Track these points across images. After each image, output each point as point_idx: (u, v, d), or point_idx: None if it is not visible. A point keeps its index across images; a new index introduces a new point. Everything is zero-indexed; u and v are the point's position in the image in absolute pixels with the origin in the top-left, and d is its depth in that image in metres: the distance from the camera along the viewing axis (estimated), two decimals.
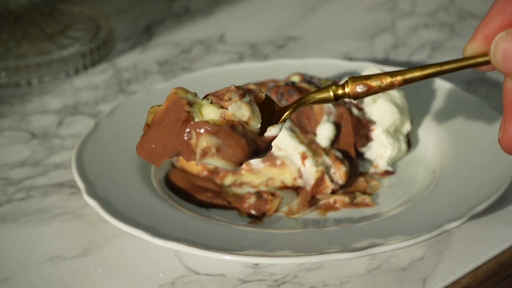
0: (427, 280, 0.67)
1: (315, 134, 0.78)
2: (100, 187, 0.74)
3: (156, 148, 0.57)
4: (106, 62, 0.99)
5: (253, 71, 0.89)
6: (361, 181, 0.77)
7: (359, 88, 0.57)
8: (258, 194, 0.75)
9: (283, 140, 0.76)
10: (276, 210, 0.75)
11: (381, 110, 0.79)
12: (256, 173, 0.77)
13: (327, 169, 0.76)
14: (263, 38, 1.04)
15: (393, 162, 0.80)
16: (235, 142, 0.56)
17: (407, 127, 0.81)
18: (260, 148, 0.57)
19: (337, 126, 0.78)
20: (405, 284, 0.66)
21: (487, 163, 0.75)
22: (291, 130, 0.77)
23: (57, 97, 0.93)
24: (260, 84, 0.83)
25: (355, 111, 0.79)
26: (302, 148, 0.76)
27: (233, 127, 0.56)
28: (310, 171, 0.76)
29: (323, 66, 0.89)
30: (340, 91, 0.58)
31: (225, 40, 1.04)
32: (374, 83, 0.57)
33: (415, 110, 0.83)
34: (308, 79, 0.80)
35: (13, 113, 0.90)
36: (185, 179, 0.77)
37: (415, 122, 0.83)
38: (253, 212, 0.74)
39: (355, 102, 0.79)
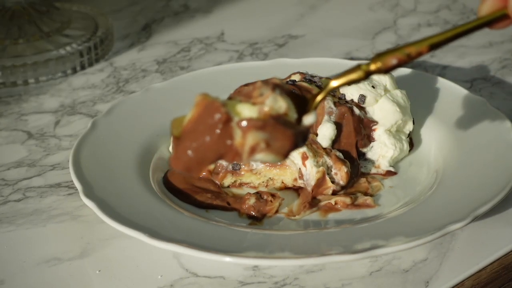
0: (430, 282, 0.66)
1: (316, 134, 0.77)
2: (97, 187, 0.73)
3: (194, 156, 0.57)
4: (104, 61, 0.99)
5: (253, 70, 0.89)
6: (362, 181, 0.77)
7: (390, 61, 0.58)
8: (258, 195, 0.74)
9: None
10: (277, 211, 0.74)
11: (383, 110, 0.79)
12: (256, 174, 0.77)
13: (328, 170, 0.76)
14: (263, 36, 1.03)
15: (395, 163, 0.80)
16: (282, 134, 0.57)
17: (409, 127, 0.80)
18: (302, 137, 0.58)
19: (338, 126, 0.77)
20: (408, 287, 0.66)
21: (490, 164, 0.75)
22: None
23: (54, 97, 0.93)
24: None
25: (356, 110, 0.78)
26: (302, 149, 0.75)
27: (276, 119, 0.56)
28: (311, 172, 0.75)
29: (324, 65, 0.89)
30: (372, 67, 0.58)
31: (225, 38, 1.03)
32: (402, 54, 0.57)
33: (417, 110, 0.83)
34: (309, 78, 0.80)
35: (9, 113, 0.90)
36: (184, 180, 0.77)
37: (417, 122, 0.82)
38: (253, 213, 0.74)
39: (356, 101, 0.79)
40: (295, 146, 0.58)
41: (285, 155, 0.57)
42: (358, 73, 0.59)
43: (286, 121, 0.57)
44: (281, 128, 0.57)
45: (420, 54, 0.58)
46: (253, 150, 0.56)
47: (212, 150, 0.57)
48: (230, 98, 0.59)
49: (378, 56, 0.58)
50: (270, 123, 0.56)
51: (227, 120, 0.56)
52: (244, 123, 0.56)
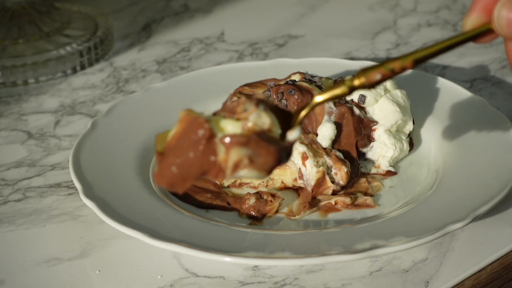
0: (430, 282, 0.66)
1: (316, 134, 0.77)
2: (97, 187, 0.73)
3: (178, 172, 0.57)
4: (104, 61, 0.99)
5: (253, 70, 0.89)
6: (362, 181, 0.77)
7: (374, 77, 0.57)
8: (258, 195, 0.74)
9: None
10: (276, 211, 0.74)
11: (383, 110, 0.79)
12: None
13: (328, 170, 0.76)
14: (263, 36, 1.03)
15: (395, 163, 0.79)
16: (265, 150, 0.56)
17: (409, 127, 0.80)
18: (286, 153, 0.57)
19: (338, 126, 0.77)
20: (408, 287, 0.66)
21: (490, 163, 0.75)
22: None
23: (54, 97, 0.93)
24: (260, 83, 0.83)
25: (356, 110, 0.78)
26: (302, 149, 0.75)
27: (260, 135, 0.56)
28: (310, 172, 0.75)
29: (324, 65, 0.89)
30: (356, 82, 0.58)
31: (225, 38, 1.03)
32: (386, 69, 0.57)
33: (417, 110, 0.83)
34: (308, 78, 0.80)
35: (9, 113, 0.90)
36: None
37: (417, 122, 0.82)
38: (253, 213, 0.74)
39: (356, 101, 0.79)
40: (279, 162, 0.57)
41: (269, 171, 0.57)
42: (342, 88, 0.59)
43: (270, 137, 0.57)
44: (265, 144, 0.56)
45: (404, 69, 0.58)
46: (236, 167, 0.56)
47: (195, 166, 0.56)
48: (215, 113, 0.58)
49: (363, 72, 0.58)
50: (253, 139, 0.56)
51: (211, 136, 0.56)
52: (227, 139, 0.56)
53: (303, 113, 0.59)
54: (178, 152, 0.56)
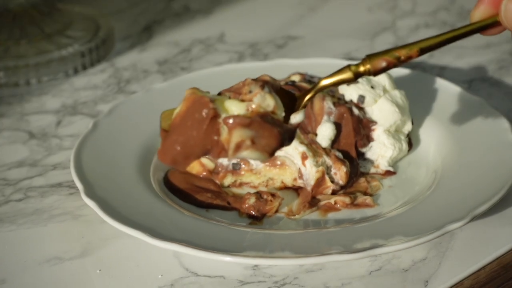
0: (429, 281, 0.66)
1: (315, 134, 0.77)
2: (98, 187, 0.73)
3: (181, 150, 0.57)
4: (105, 62, 0.99)
5: (253, 71, 0.88)
6: (362, 181, 0.77)
7: (380, 64, 0.58)
8: (258, 195, 0.74)
9: None
10: (276, 211, 0.74)
11: (382, 110, 0.79)
12: (256, 174, 0.77)
13: (327, 170, 0.76)
14: (263, 37, 1.03)
15: (394, 162, 0.80)
16: (268, 132, 0.57)
17: (408, 127, 0.80)
18: (288, 135, 0.58)
19: (338, 126, 0.77)
20: (407, 286, 0.66)
21: (489, 163, 0.75)
22: None
23: (56, 97, 0.93)
24: None
25: (355, 110, 0.78)
26: (302, 148, 0.75)
27: (263, 117, 0.56)
28: (310, 172, 0.75)
29: (324, 65, 0.88)
30: (361, 69, 0.58)
31: (225, 39, 1.03)
32: (392, 57, 0.57)
33: (416, 110, 0.83)
34: (308, 79, 0.80)
35: (11, 113, 0.90)
36: (184, 180, 0.77)
37: (416, 122, 0.82)
38: (253, 212, 0.74)
39: (355, 101, 0.79)
40: (281, 144, 0.58)
41: (271, 153, 0.57)
42: (347, 73, 0.59)
43: (273, 119, 0.57)
44: (268, 126, 0.57)
45: (410, 57, 0.58)
46: (238, 147, 0.56)
47: (198, 145, 0.57)
48: (220, 93, 0.59)
49: (368, 58, 0.58)
50: (256, 121, 0.56)
51: (215, 116, 0.56)
52: (230, 120, 0.56)
53: (308, 96, 0.59)
54: (182, 130, 0.57)
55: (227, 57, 1.00)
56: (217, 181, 0.77)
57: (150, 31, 1.06)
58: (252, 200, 0.74)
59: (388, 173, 0.79)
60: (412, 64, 0.95)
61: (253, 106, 0.57)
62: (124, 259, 0.69)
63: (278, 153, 0.76)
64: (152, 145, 0.80)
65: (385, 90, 0.80)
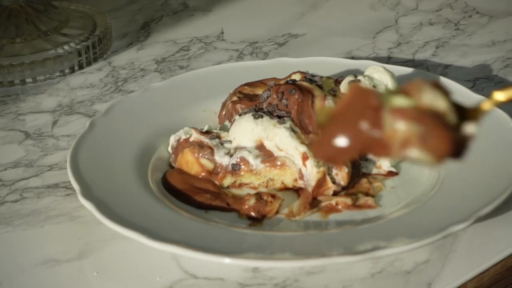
0: (432, 284, 0.66)
1: (316, 134, 0.77)
2: (95, 188, 0.73)
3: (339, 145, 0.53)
4: (102, 60, 0.99)
5: (253, 70, 0.89)
6: (363, 182, 0.77)
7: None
8: (258, 196, 0.74)
9: (284, 140, 0.75)
10: (277, 212, 0.74)
11: None
12: (256, 174, 0.76)
13: (328, 170, 0.75)
14: (263, 35, 1.03)
15: (397, 163, 0.79)
16: (440, 132, 0.50)
17: None
18: (461, 145, 0.51)
19: None
20: None
21: (493, 164, 0.75)
22: (292, 130, 0.76)
23: (52, 96, 0.93)
24: (261, 83, 0.82)
25: None
26: (303, 149, 0.75)
27: (436, 115, 0.50)
28: (311, 172, 0.75)
29: (325, 64, 0.88)
30: None
31: (224, 37, 1.03)
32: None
33: None
34: (309, 78, 0.79)
35: (7, 113, 0.90)
36: (183, 180, 0.76)
37: None
38: (253, 214, 0.73)
39: None
40: (452, 152, 0.50)
41: (439, 159, 0.50)
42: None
43: (445, 121, 0.51)
44: (440, 126, 0.50)
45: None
46: (404, 144, 0.50)
47: (358, 140, 0.52)
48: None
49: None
50: (428, 116, 0.50)
51: (378, 107, 0.51)
52: (397, 112, 0.51)
53: (486, 107, 0.53)
54: (342, 123, 0.52)
55: (226, 55, 0.99)
56: (217, 182, 0.77)
57: (148, 29, 1.05)
58: (252, 201, 0.73)
59: (390, 173, 0.78)
60: (415, 63, 0.95)
61: (423, 101, 0.51)
62: (121, 261, 0.69)
63: (278, 153, 0.76)
64: (150, 145, 0.79)
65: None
